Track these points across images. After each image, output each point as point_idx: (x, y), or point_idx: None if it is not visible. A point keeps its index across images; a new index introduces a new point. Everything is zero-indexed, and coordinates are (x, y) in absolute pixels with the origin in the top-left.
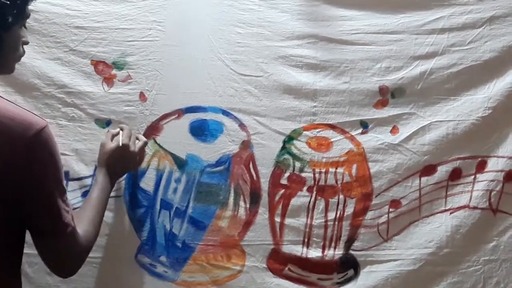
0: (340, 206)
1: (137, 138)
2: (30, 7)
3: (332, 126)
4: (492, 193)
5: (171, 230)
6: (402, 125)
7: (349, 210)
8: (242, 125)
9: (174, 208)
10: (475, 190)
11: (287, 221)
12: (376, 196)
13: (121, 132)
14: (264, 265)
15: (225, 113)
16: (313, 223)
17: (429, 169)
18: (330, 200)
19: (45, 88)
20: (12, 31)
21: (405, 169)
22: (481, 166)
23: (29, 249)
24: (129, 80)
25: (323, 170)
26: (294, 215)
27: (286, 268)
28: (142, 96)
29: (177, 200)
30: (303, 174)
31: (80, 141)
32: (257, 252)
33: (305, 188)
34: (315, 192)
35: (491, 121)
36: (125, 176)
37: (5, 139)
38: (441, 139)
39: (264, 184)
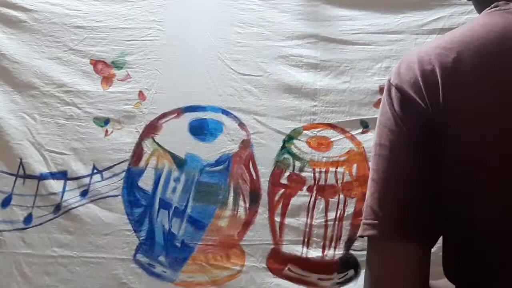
0: (341, 206)
1: None
2: (29, 6)
3: (332, 126)
4: None
5: (170, 230)
6: None
7: (350, 209)
8: (241, 125)
9: (173, 208)
10: None
11: (287, 220)
12: None
13: None
14: (264, 265)
15: (225, 112)
16: (313, 222)
17: None
18: (330, 199)
19: (44, 87)
20: None
21: None
22: None
23: (27, 249)
24: (128, 79)
25: (323, 170)
26: (294, 215)
27: (286, 268)
28: (141, 95)
29: (176, 199)
30: (303, 174)
31: (78, 140)
32: (257, 252)
33: (305, 188)
34: (315, 192)
35: None
36: (123, 175)
37: None
38: None
39: (264, 184)
